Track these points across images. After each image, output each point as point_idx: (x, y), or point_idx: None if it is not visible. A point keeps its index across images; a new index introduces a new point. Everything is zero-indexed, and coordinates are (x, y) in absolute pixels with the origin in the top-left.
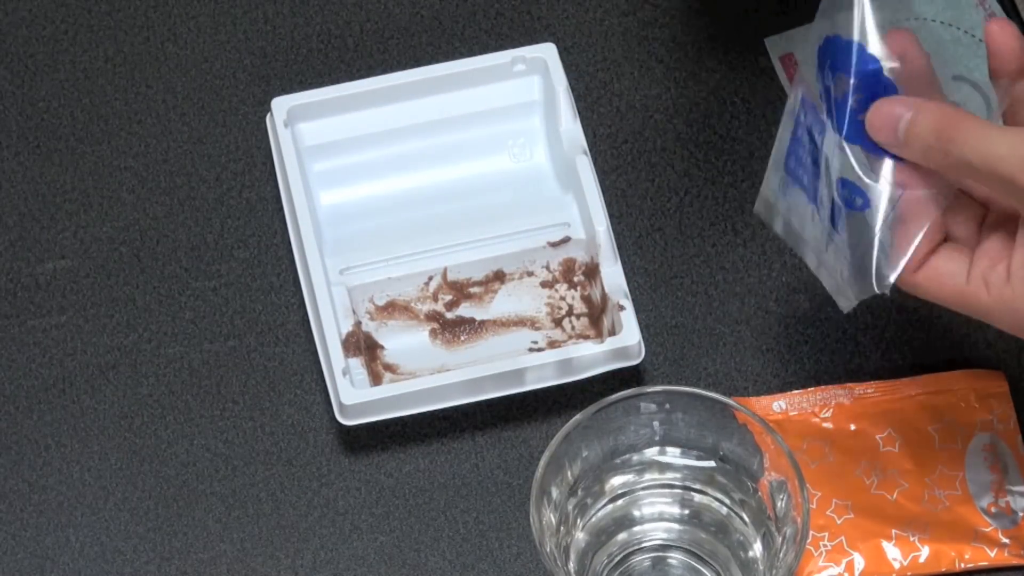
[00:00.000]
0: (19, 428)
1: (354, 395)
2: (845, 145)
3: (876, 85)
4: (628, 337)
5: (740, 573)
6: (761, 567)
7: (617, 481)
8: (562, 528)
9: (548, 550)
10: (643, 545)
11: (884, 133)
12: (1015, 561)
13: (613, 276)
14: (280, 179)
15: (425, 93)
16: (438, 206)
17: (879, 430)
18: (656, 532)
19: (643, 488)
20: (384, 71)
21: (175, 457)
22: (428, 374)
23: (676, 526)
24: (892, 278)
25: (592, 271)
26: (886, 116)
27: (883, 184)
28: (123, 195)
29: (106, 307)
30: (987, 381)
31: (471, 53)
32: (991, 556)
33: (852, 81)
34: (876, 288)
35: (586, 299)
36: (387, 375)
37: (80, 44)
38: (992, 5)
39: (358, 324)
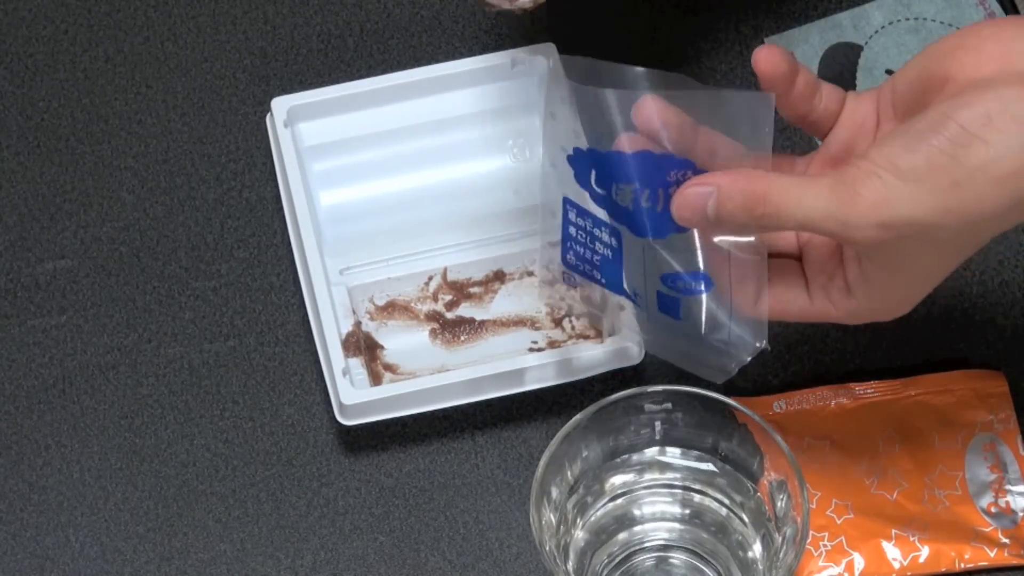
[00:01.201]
0: (19, 428)
1: (354, 395)
2: (657, 245)
3: (660, 171)
4: (628, 337)
5: (740, 573)
6: (761, 567)
7: (617, 481)
8: (562, 527)
9: (548, 550)
10: (645, 545)
11: (695, 221)
12: (1015, 561)
13: None
14: (280, 179)
15: (425, 93)
16: (438, 206)
17: (879, 430)
18: (657, 532)
19: (643, 488)
20: (384, 71)
21: (175, 457)
22: (428, 374)
23: (677, 526)
24: (764, 333)
25: None
26: (691, 205)
27: (716, 261)
28: (123, 195)
29: (106, 307)
30: (987, 381)
31: (471, 53)
32: (991, 556)
33: (636, 186)
34: (759, 345)
35: (586, 299)
36: (387, 375)
37: (80, 44)
38: (992, 5)
39: (358, 324)
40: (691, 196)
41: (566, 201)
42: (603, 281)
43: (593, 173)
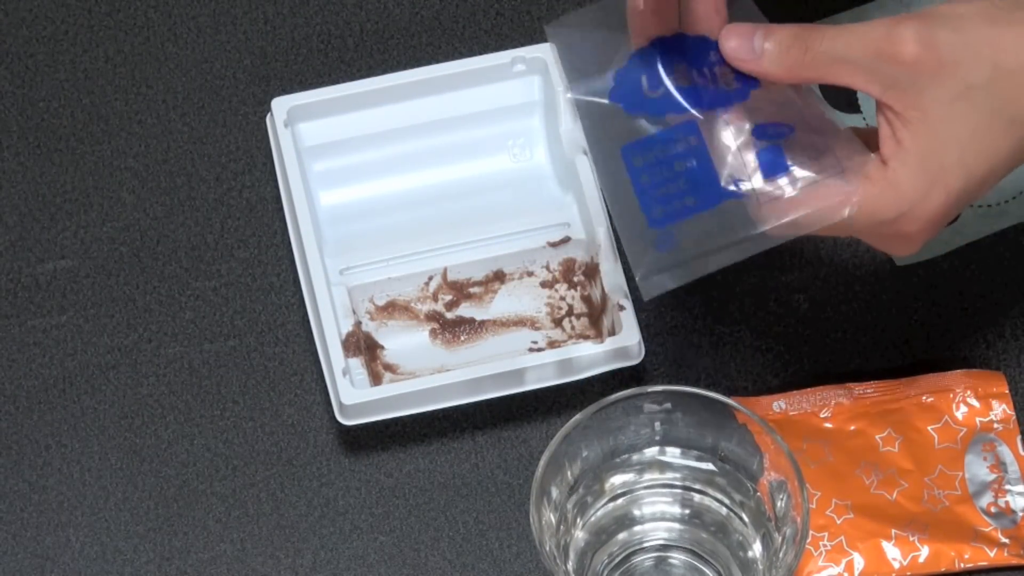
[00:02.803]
0: (19, 428)
1: (354, 395)
2: (727, 114)
3: (702, 51)
4: (628, 337)
5: (740, 573)
6: (761, 567)
7: (617, 481)
8: (562, 527)
9: (548, 549)
10: (644, 545)
11: (741, 50)
12: (1015, 561)
13: (613, 276)
14: (280, 179)
15: (425, 93)
16: (438, 206)
17: (879, 430)
18: (657, 532)
19: (643, 488)
20: (384, 71)
21: (175, 457)
22: (428, 374)
23: (677, 526)
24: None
25: (592, 271)
26: (738, 32)
27: (787, 113)
28: (123, 195)
29: (106, 307)
30: (987, 381)
31: (471, 53)
32: (991, 556)
33: (686, 63)
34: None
35: (586, 299)
36: (387, 375)
37: (80, 44)
38: None
39: (358, 324)
40: (740, 27)
41: (625, 152)
42: (699, 204)
43: (644, 80)
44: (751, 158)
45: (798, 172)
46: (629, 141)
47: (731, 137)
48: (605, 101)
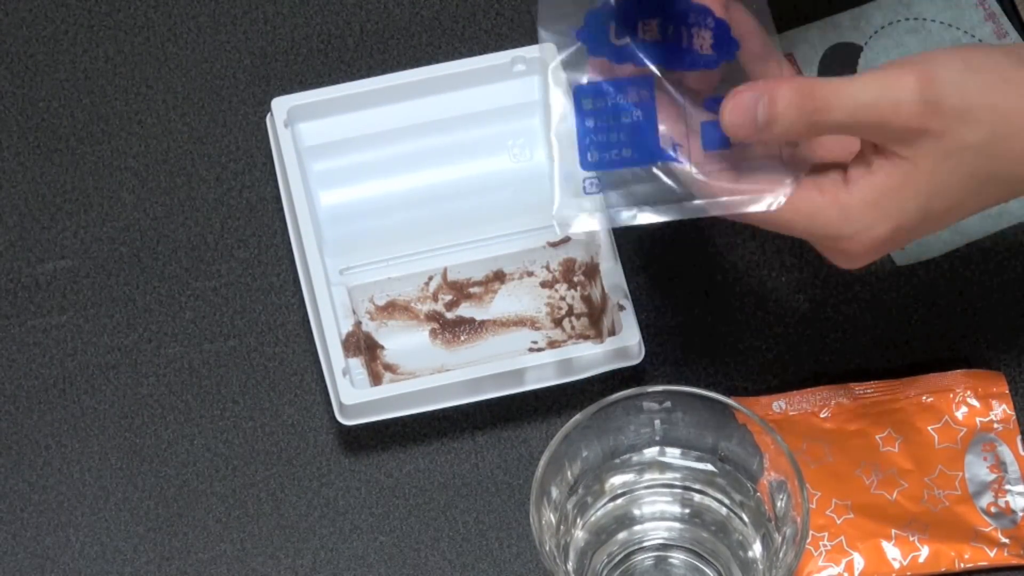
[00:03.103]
0: (19, 428)
1: (354, 395)
2: (688, 77)
3: (679, 9)
4: (628, 337)
5: (740, 573)
6: (761, 567)
7: (617, 480)
8: (562, 527)
9: (548, 549)
10: (644, 544)
11: (744, 129)
12: (1015, 561)
13: (613, 276)
14: (280, 179)
15: (425, 93)
16: (438, 206)
17: (879, 430)
18: (657, 531)
19: (643, 487)
20: (384, 71)
21: (175, 457)
22: (428, 374)
23: (677, 525)
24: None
25: (592, 271)
26: (741, 109)
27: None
28: (123, 195)
29: (106, 307)
30: (987, 381)
31: (471, 53)
32: (991, 556)
33: (659, 20)
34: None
35: (586, 299)
36: (387, 375)
37: (80, 44)
38: (992, 5)
39: (358, 324)
40: (742, 101)
41: (576, 91)
42: (635, 156)
43: (612, 27)
44: (696, 127)
45: (737, 153)
46: (583, 82)
47: (683, 102)
48: (572, 40)
